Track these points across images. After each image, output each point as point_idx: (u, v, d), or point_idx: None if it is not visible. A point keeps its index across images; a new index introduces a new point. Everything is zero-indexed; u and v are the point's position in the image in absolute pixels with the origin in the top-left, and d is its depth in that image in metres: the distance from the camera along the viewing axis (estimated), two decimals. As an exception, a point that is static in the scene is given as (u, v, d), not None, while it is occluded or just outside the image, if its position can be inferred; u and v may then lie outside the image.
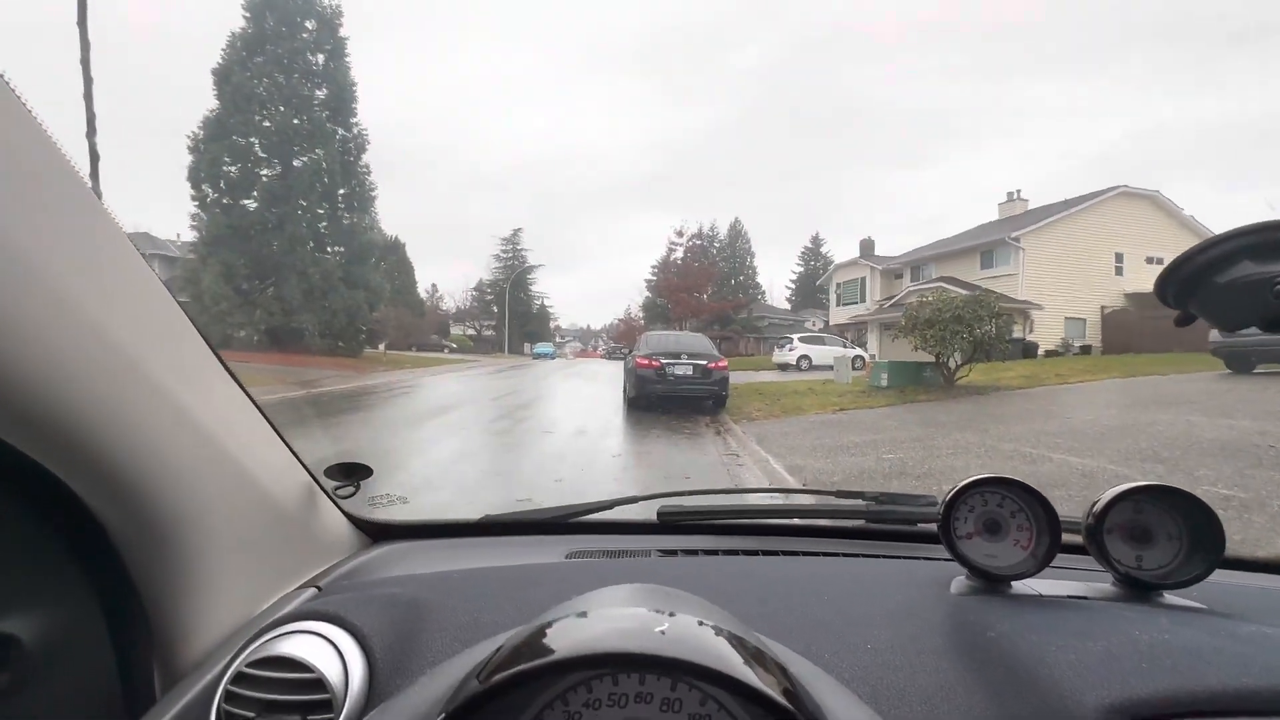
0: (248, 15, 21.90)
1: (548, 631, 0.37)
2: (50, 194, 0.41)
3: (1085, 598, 0.65)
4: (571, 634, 0.37)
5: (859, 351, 24.20)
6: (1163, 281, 0.47)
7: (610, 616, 0.39)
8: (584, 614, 0.40)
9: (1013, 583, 0.67)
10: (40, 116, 0.42)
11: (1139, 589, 0.65)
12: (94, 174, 7.94)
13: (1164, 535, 0.66)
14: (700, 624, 0.38)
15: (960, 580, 0.69)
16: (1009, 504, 0.69)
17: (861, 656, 0.54)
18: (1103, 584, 0.68)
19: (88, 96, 8.14)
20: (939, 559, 0.87)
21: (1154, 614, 0.57)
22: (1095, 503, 0.67)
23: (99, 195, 0.48)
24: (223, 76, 21.30)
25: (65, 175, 0.42)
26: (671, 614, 0.39)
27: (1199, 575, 0.62)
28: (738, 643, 0.36)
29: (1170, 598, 0.64)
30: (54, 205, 0.41)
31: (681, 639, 0.35)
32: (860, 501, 1.03)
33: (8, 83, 0.39)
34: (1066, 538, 0.67)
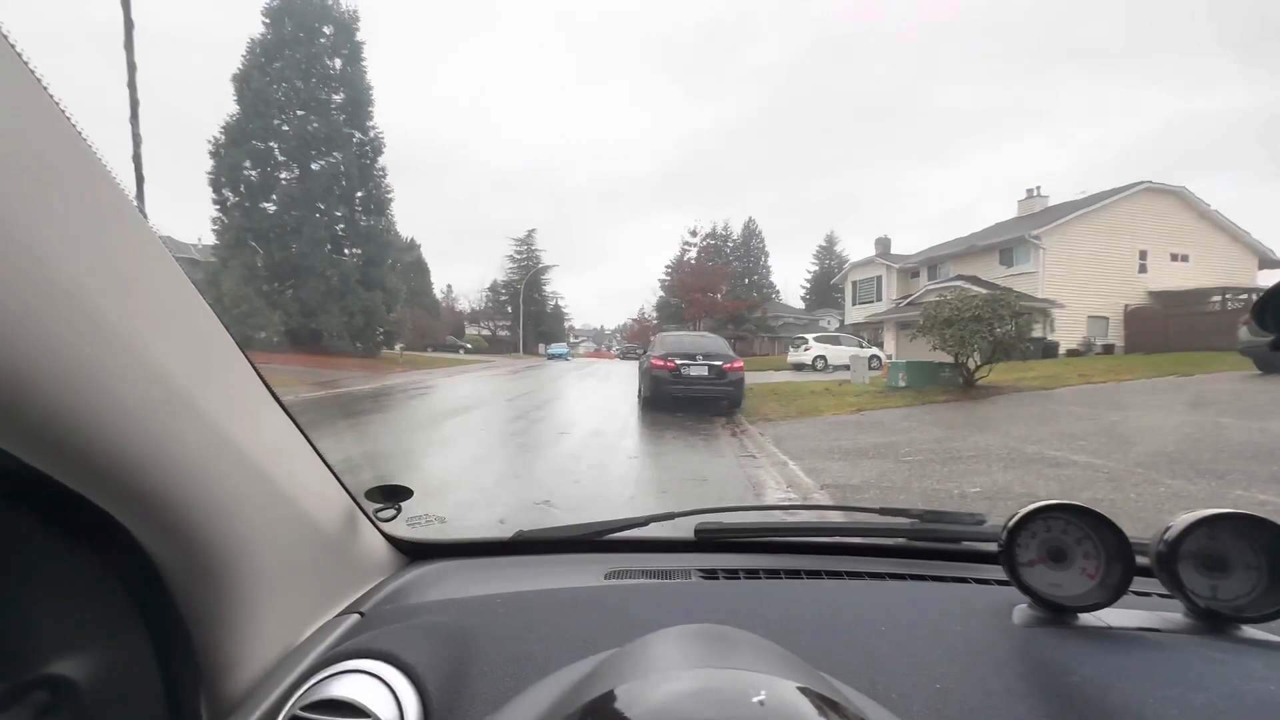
0: (267, 21, 22.23)
1: (619, 695, 0.35)
2: (98, 217, 0.40)
3: (1158, 630, 0.62)
4: (648, 700, 0.35)
5: (875, 351, 23.97)
6: (1264, 304, 0.44)
7: (690, 679, 0.37)
8: (651, 674, 0.38)
9: (1079, 614, 0.64)
10: (88, 135, 0.41)
11: (1215, 622, 0.62)
12: (139, 195, 8.12)
13: (1241, 565, 0.63)
14: (797, 690, 0.35)
15: (1022, 610, 0.66)
16: (1074, 530, 0.66)
17: (931, 697, 0.51)
18: (1172, 614, 0.65)
19: (134, 119, 8.32)
20: (990, 581, 0.84)
21: (1242, 654, 0.54)
22: (1167, 529, 0.64)
23: (144, 215, 0.47)
24: (242, 82, 21.64)
25: (113, 196, 0.41)
26: (740, 667, 0.37)
27: None
28: (828, 707, 0.34)
29: (1249, 631, 0.61)
30: (101, 229, 0.40)
31: (780, 711, 0.33)
32: (905, 520, 1.00)
33: (56, 101, 0.38)
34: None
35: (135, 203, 0.45)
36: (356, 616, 0.70)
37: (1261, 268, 24.35)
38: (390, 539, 0.91)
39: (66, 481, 0.40)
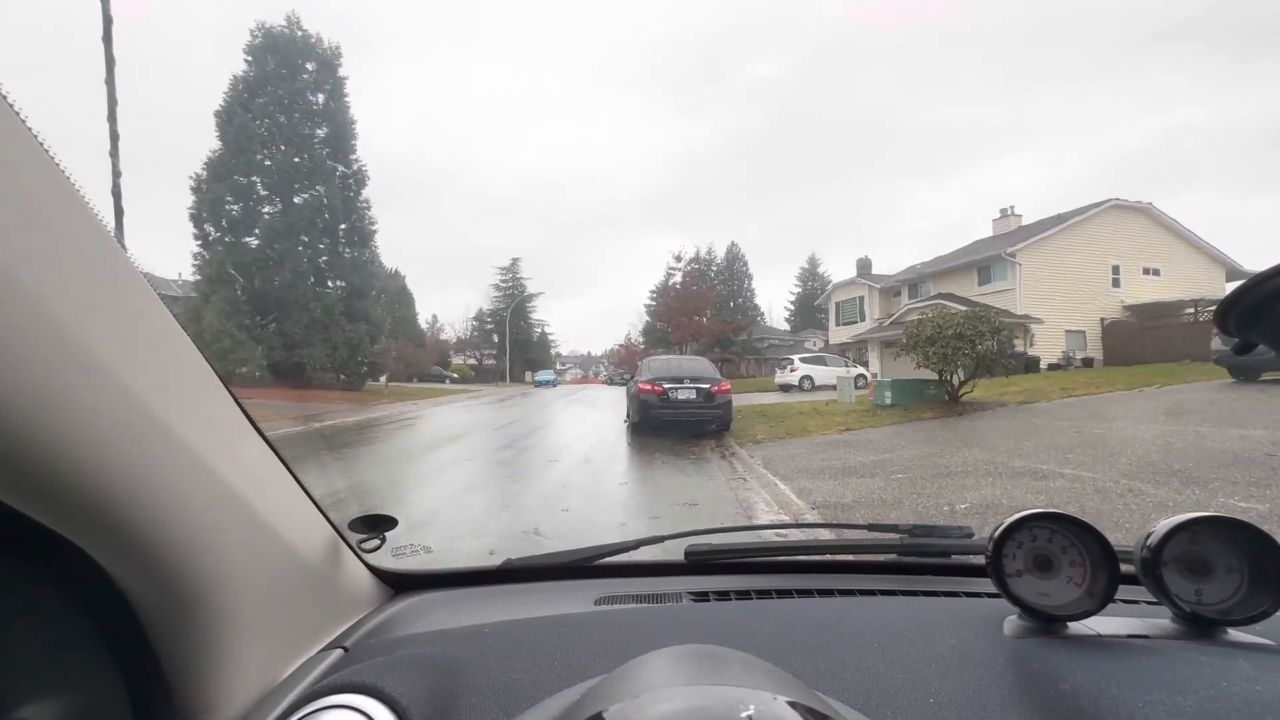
0: (249, 59, 22.47)
1: (609, 717, 0.35)
2: (75, 247, 0.40)
3: (1147, 636, 0.62)
4: (639, 719, 0.34)
5: (861, 370, 24.17)
6: (1224, 309, 0.46)
7: (679, 696, 0.37)
8: (640, 694, 0.37)
9: (1068, 623, 0.64)
10: (66, 167, 0.41)
11: (1201, 626, 0.62)
12: (119, 227, 8.09)
13: (1223, 568, 0.64)
14: (787, 705, 0.35)
15: (1012, 621, 0.66)
16: (1059, 539, 0.67)
17: (925, 712, 0.51)
18: (1160, 620, 0.65)
19: (114, 153, 8.32)
20: (980, 594, 0.84)
21: (1229, 656, 0.55)
22: (1149, 535, 0.64)
23: (124, 247, 0.47)
24: (225, 118, 21.75)
25: (90, 227, 0.41)
26: (729, 684, 0.37)
27: (1266, 611, 0.60)
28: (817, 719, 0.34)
29: (1235, 634, 0.62)
30: (79, 259, 0.40)
31: None
32: (894, 535, 1.00)
33: (34, 133, 0.38)
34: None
35: (114, 234, 0.45)
36: (340, 651, 0.68)
37: (1229, 280, 25.05)
38: (375, 570, 0.89)
39: (37, 515, 0.39)
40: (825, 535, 3.36)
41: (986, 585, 0.83)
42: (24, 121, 0.37)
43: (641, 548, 1.02)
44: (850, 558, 1.04)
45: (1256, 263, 24.45)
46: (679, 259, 44.02)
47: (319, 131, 23.32)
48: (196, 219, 21.15)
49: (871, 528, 1.05)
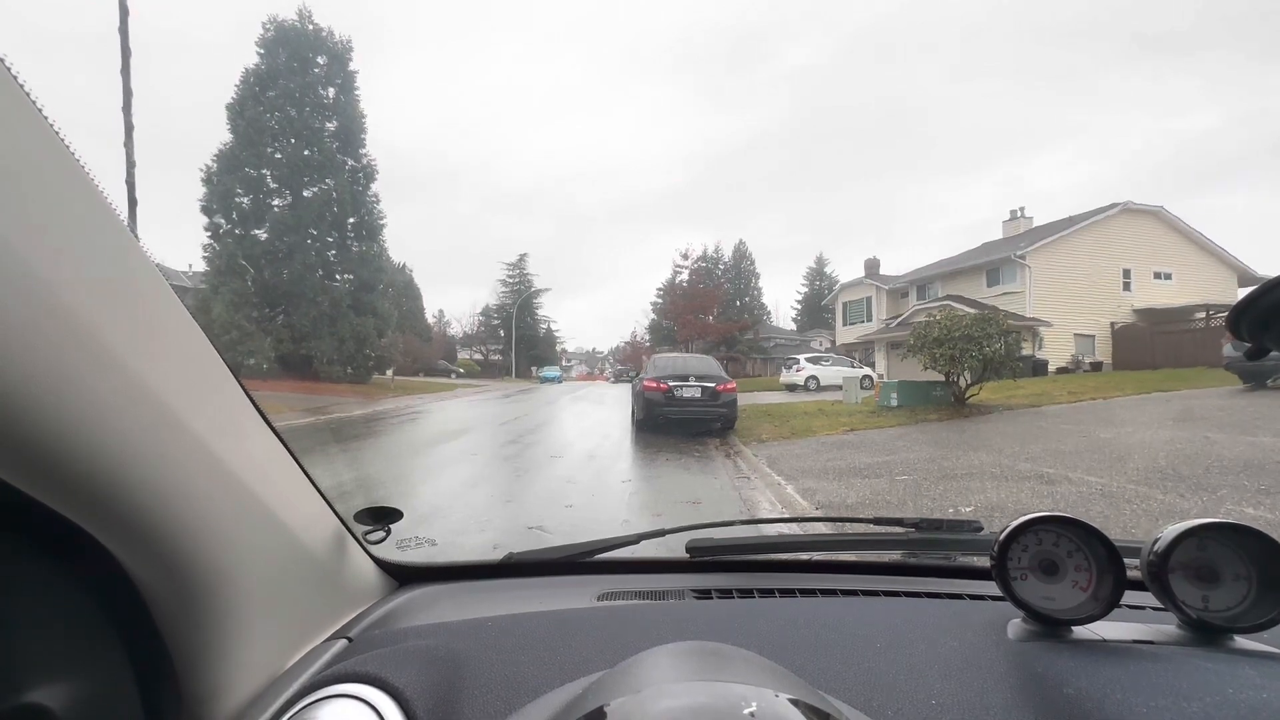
0: (261, 52, 22.57)
1: (611, 711, 0.35)
2: (89, 237, 0.40)
3: (1152, 642, 0.61)
4: (640, 715, 0.34)
5: (867, 371, 24.06)
6: (1237, 314, 0.45)
7: (681, 693, 0.37)
8: (642, 690, 0.37)
9: (1073, 627, 0.64)
10: (81, 156, 0.41)
11: (1207, 633, 0.62)
12: (132, 217, 8.18)
13: (1231, 575, 0.63)
14: (789, 702, 0.35)
15: (1017, 624, 0.66)
16: (1065, 543, 0.67)
17: (928, 713, 0.51)
18: (1166, 626, 0.65)
19: (128, 144, 8.40)
20: (985, 597, 0.84)
21: (1235, 663, 0.54)
22: (1156, 540, 0.64)
23: (137, 237, 0.47)
24: (236, 111, 21.87)
25: (104, 217, 0.42)
26: (732, 681, 0.37)
27: (1274, 619, 0.59)
28: (819, 718, 0.34)
29: (1242, 641, 0.61)
30: (93, 250, 0.40)
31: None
32: (901, 528, 0.99)
33: (50, 122, 0.38)
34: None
35: (128, 225, 0.46)
36: (344, 641, 0.69)
37: (1241, 285, 24.81)
38: (379, 562, 0.90)
39: (48, 502, 0.39)
40: (830, 529, 3.36)
41: (990, 588, 0.82)
42: (40, 111, 0.38)
43: (643, 541, 1.03)
44: (854, 558, 1.04)
45: (1269, 268, 24.22)
46: (686, 257, 44.04)
47: (329, 125, 23.41)
48: (207, 210, 21.30)
49: (878, 521, 1.05)
